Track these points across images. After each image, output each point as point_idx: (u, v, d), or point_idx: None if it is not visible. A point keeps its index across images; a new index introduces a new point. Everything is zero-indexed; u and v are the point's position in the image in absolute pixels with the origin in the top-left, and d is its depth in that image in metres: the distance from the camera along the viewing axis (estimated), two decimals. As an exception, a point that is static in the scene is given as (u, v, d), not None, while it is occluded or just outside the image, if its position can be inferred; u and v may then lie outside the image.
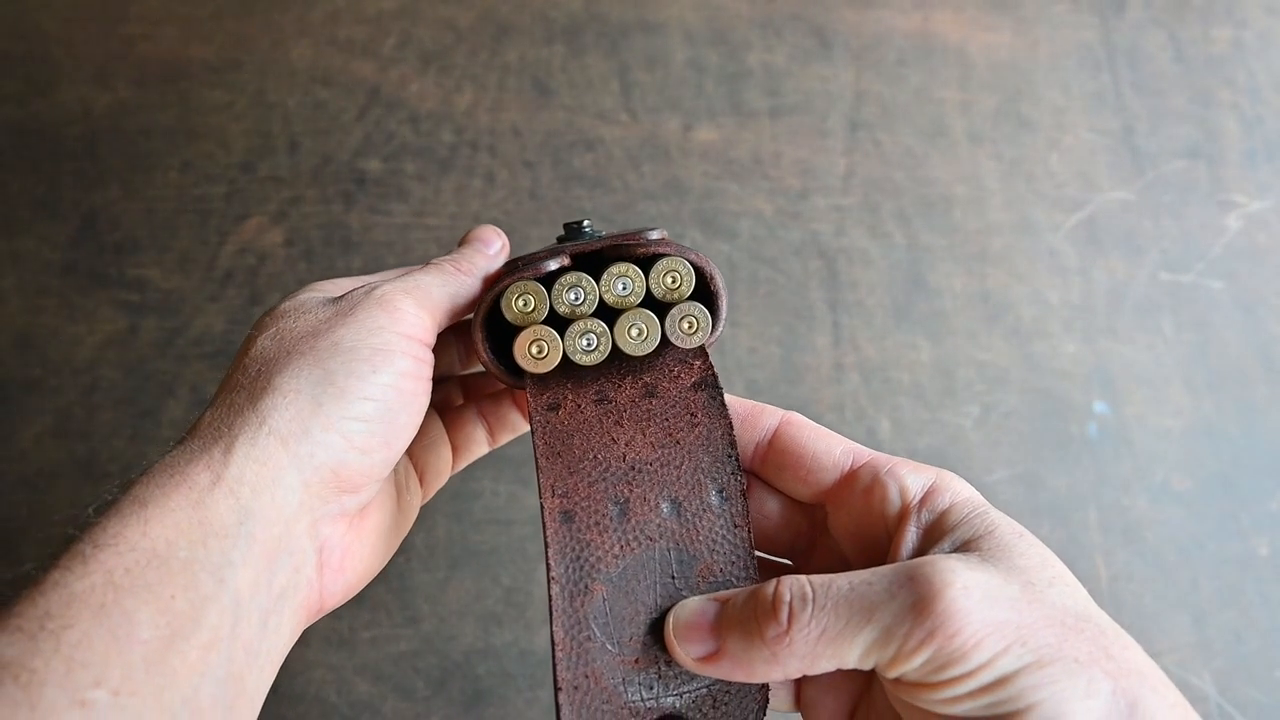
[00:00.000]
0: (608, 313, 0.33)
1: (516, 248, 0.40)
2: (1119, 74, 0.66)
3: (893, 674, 0.25)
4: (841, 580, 0.26)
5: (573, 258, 0.34)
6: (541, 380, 0.33)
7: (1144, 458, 0.57)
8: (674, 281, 0.33)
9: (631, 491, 0.31)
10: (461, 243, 0.38)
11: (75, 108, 0.62)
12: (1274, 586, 0.54)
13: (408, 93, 0.63)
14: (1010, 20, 0.67)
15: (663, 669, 0.29)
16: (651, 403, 0.33)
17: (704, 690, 0.29)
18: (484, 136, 0.62)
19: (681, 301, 0.33)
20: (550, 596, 0.29)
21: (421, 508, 0.38)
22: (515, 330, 0.33)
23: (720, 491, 0.31)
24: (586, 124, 0.63)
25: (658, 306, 0.33)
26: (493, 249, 0.38)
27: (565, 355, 0.33)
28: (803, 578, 0.27)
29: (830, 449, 0.31)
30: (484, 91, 0.63)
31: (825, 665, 0.26)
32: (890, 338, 0.59)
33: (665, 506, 0.31)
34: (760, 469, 0.33)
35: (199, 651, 0.25)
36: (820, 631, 0.25)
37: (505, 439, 0.41)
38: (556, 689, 0.28)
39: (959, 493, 0.29)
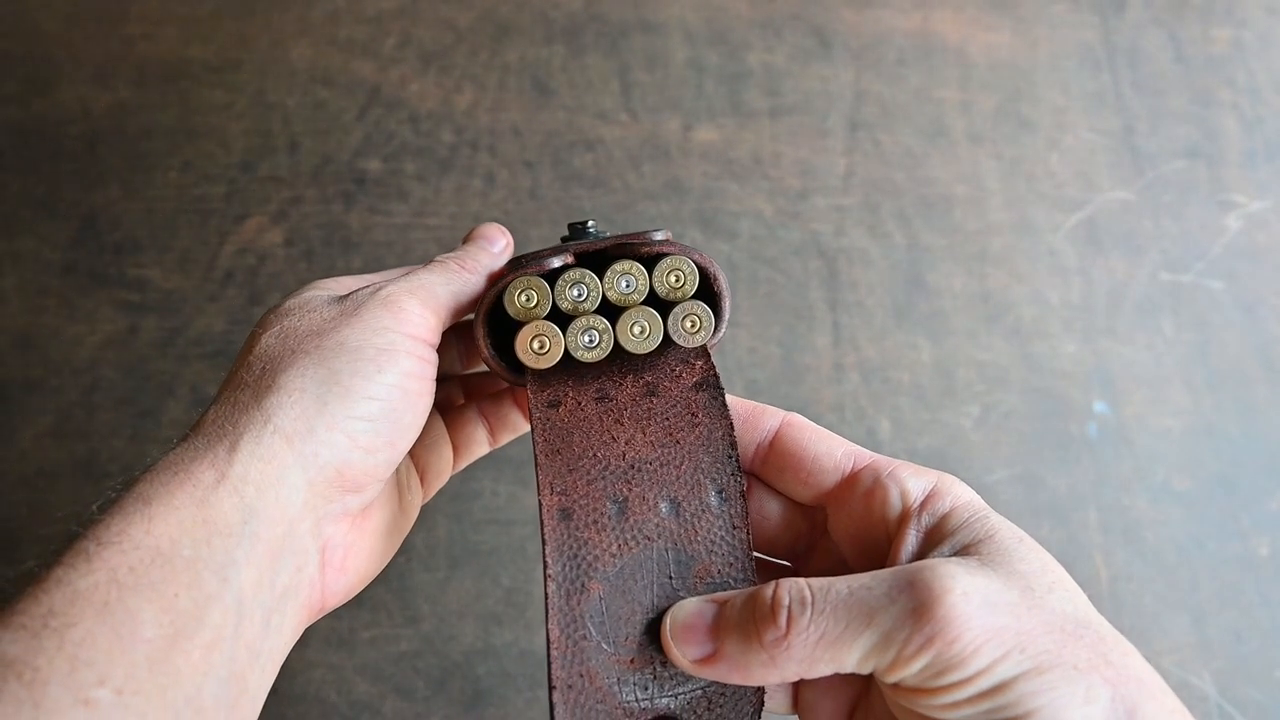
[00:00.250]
0: (610, 310, 0.33)
1: (517, 248, 0.39)
2: (1119, 74, 0.66)
3: (891, 679, 0.25)
4: (840, 584, 0.26)
5: (577, 256, 0.34)
6: (542, 377, 0.33)
7: (1144, 458, 0.57)
8: (677, 280, 0.33)
9: (630, 490, 0.31)
10: (466, 240, 0.38)
11: (75, 108, 0.62)
12: (1274, 586, 0.55)
13: (408, 93, 0.63)
14: (1010, 20, 0.67)
15: (658, 669, 0.29)
16: (652, 402, 0.33)
17: (699, 692, 0.29)
18: (484, 136, 0.62)
19: (684, 300, 0.33)
20: (546, 594, 0.29)
21: (422, 508, 0.38)
22: (517, 327, 0.33)
23: (720, 492, 0.31)
24: (586, 124, 0.63)
25: (661, 305, 0.33)
26: (497, 247, 0.38)
27: (567, 352, 0.33)
28: (802, 581, 0.26)
29: (831, 451, 0.31)
30: (484, 91, 0.63)
31: (823, 669, 0.26)
32: (890, 338, 0.59)
33: (664, 506, 0.31)
34: (761, 470, 0.33)
35: (202, 651, 0.25)
36: (819, 636, 0.25)
37: (506, 439, 0.40)
38: (551, 687, 0.28)
39: (960, 496, 0.29)
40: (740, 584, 0.30)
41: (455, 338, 0.39)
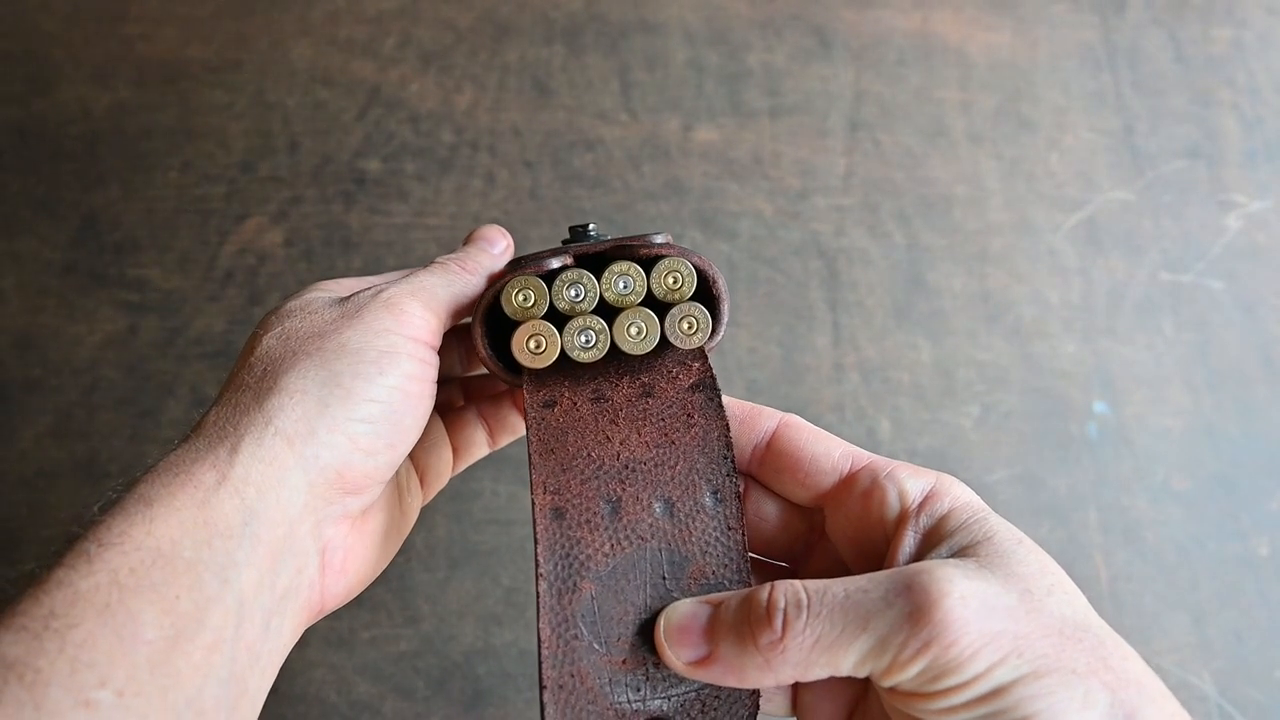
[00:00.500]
0: (608, 311, 0.33)
1: (517, 248, 0.40)
2: (1119, 74, 0.66)
3: (888, 683, 0.25)
4: (837, 586, 0.26)
5: (576, 258, 0.34)
6: (539, 377, 0.33)
7: (1144, 458, 0.57)
8: (675, 282, 0.33)
9: (624, 490, 0.31)
10: (466, 241, 0.38)
11: (75, 108, 0.62)
12: (1274, 586, 0.55)
13: (408, 93, 0.63)
14: (1010, 20, 0.67)
15: (651, 671, 0.29)
16: (648, 403, 0.32)
17: (692, 694, 0.29)
18: (484, 136, 0.62)
19: (682, 302, 0.33)
20: (538, 593, 0.29)
21: (422, 508, 0.38)
22: (514, 327, 0.33)
23: (715, 493, 0.31)
24: (586, 124, 0.63)
25: (658, 306, 0.33)
26: (497, 248, 0.38)
27: (563, 352, 0.33)
28: (798, 583, 0.26)
29: (829, 452, 0.31)
30: (484, 91, 0.63)
31: (819, 673, 0.26)
32: (890, 338, 0.59)
33: (658, 506, 0.31)
34: (758, 472, 0.32)
35: (203, 652, 0.25)
36: (815, 639, 0.25)
37: (505, 441, 0.41)
38: (542, 687, 0.28)
39: (958, 497, 0.29)
40: (735, 586, 0.30)
41: (456, 340, 0.39)
